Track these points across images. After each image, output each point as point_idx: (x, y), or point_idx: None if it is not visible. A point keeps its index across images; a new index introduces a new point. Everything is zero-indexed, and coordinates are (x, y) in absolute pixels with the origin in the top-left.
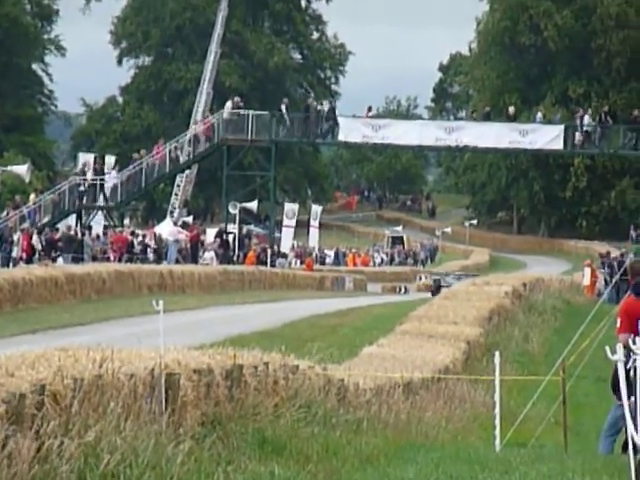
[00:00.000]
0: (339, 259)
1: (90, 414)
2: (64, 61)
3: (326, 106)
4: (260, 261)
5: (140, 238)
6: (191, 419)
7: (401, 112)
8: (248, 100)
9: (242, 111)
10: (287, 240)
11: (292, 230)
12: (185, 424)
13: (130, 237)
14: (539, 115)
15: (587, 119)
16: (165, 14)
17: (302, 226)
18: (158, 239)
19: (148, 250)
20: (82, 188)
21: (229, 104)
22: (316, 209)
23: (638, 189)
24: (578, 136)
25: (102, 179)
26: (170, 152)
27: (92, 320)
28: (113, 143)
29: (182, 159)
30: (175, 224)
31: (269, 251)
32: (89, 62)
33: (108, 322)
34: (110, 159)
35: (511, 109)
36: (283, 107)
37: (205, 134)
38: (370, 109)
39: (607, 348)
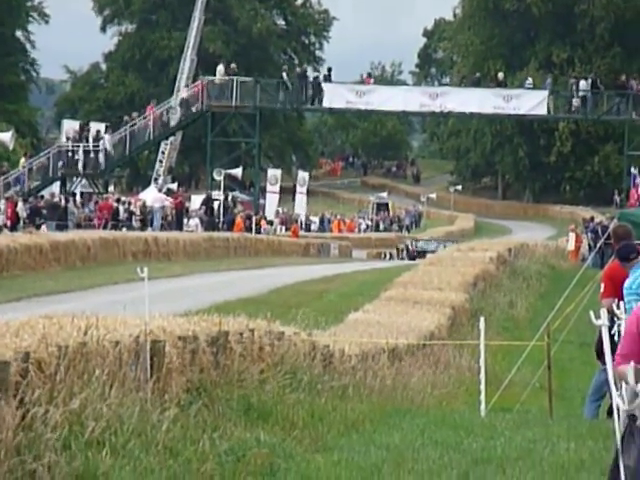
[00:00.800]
0: (324, 226)
1: (75, 381)
2: (47, 28)
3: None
4: (247, 228)
5: (126, 205)
6: (176, 386)
7: (385, 78)
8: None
9: (226, 77)
10: (271, 206)
11: (276, 196)
12: (170, 391)
13: (115, 204)
14: (529, 80)
15: (583, 84)
16: None
17: (287, 192)
18: (142, 206)
19: (133, 217)
20: (68, 155)
21: (220, 68)
22: (303, 175)
23: (622, 154)
24: (575, 102)
25: (86, 146)
26: (161, 116)
27: (77, 287)
28: (97, 110)
29: (172, 123)
30: (160, 191)
31: (254, 218)
32: (72, 29)
33: (93, 289)
34: (99, 126)
35: (500, 75)
36: (284, 75)
37: (193, 98)
38: (370, 76)
39: (591, 313)
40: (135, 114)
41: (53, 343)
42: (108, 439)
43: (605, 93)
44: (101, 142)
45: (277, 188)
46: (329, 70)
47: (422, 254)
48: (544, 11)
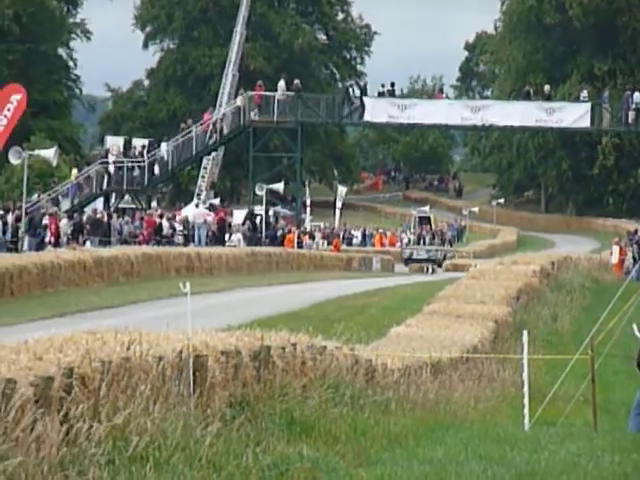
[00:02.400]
0: (366, 240)
1: (118, 397)
2: (89, 45)
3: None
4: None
5: (169, 221)
6: (219, 401)
7: (427, 91)
8: (273, 82)
9: (264, 93)
10: (337, 220)
11: (339, 211)
12: (213, 406)
13: (159, 220)
14: (584, 93)
15: (637, 96)
16: None
17: (329, 207)
18: (185, 221)
19: (175, 233)
20: (111, 171)
21: (282, 84)
22: (341, 190)
23: None
24: (632, 115)
25: (130, 162)
26: (215, 123)
27: (120, 303)
28: (139, 127)
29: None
30: (197, 206)
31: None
32: (115, 46)
33: (136, 305)
34: (142, 142)
35: (547, 87)
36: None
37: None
38: (393, 85)
39: (634, 326)
40: (190, 121)
41: (97, 358)
42: (152, 454)
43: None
44: (160, 149)
45: (341, 204)
46: (364, 85)
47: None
48: (585, 24)
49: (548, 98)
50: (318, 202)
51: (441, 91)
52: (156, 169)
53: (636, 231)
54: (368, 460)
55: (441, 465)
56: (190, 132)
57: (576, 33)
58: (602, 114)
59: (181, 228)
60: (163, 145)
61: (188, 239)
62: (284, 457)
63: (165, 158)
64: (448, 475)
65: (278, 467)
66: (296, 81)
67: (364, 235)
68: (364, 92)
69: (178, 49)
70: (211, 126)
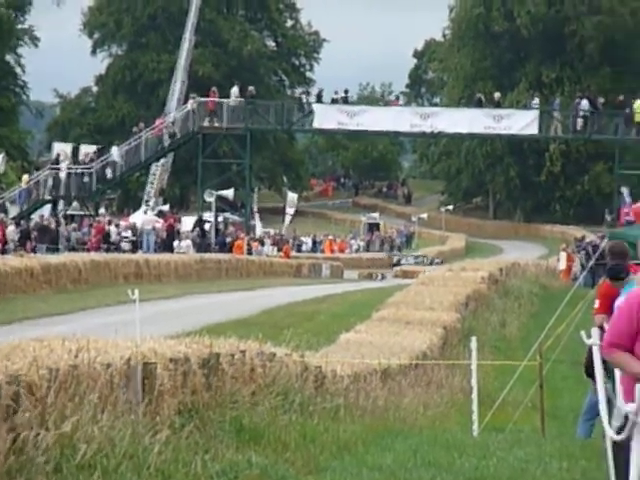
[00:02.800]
0: (316, 246)
1: (66, 404)
2: (37, 51)
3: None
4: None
5: (118, 228)
6: (168, 408)
7: (375, 98)
8: (222, 88)
9: (217, 99)
10: (287, 227)
11: (290, 218)
12: (162, 413)
13: (107, 227)
14: (535, 101)
15: (585, 104)
16: (137, 3)
17: (278, 213)
18: (133, 228)
19: (123, 240)
20: (61, 177)
21: (235, 90)
22: (292, 196)
23: (612, 173)
24: (580, 122)
25: (77, 168)
26: (164, 129)
27: (68, 310)
28: (87, 134)
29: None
30: (147, 213)
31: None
32: (63, 53)
33: (84, 312)
34: (89, 148)
35: (496, 95)
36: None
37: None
38: (346, 92)
39: (582, 332)
40: (142, 124)
41: (44, 366)
42: (100, 462)
43: (595, 112)
44: (111, 154)
45: (293, 210)
46: (320, 92)
47: None
48: (533, 32)
49: (498, 105)
50: (268, 208)
51: (397, 98)
52: (108, 173)
53: (583, 237)
54: (317, 467)
55: (390, 472)
56: (141, 137)
57: (524, 41)
58: (550, 121)
59: (129, 235)
60: (114, 149)
61: (136, 246)
62: (233, 464)
63: (117, 162)
64: None
65: (227, 475)
66: (250, 88)
67: (314, 241)
68: (320, 99)
69: (126, 55)
70: (164, 131)
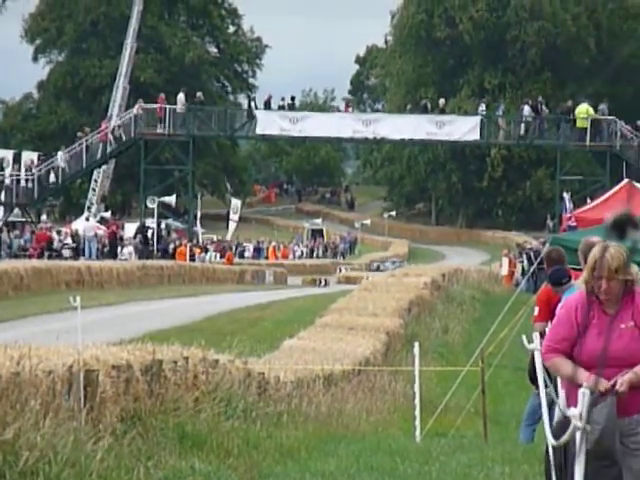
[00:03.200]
0: (260, 252)
1: (8, 412)
2: None
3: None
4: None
5: (60, 235)
6: (110, 415)
7: (318, 104)
8: (164, 95)
9: (158, 105)
10: (232, 233)
11: (234, 225)
12: (104, 420)
13: (49, 233)
14: (482, 107)
15: (527, 110)
16: (79, 9)
17: (221, 220)
18: (75, 235)
19: (64, 247)
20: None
21: (181, 96)
22: (235, 202)
23: (554, 179)
24: (522, 128)
25: (18, 175)
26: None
27: (9, 317)
28: (29, 140)
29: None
30: (89, 219)
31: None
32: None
33: (26, 319)
34: (31, 155)
35: (441, 101)
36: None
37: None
38: (293, 99)
39: (524, 337)
40: (87, 129)
41: None
42: (42, 469)
43: (536, 117)
44: (55, 159)
45: (237, 217)
46: (269, 98)
47: None
48: (475, 38)
49: (443, 112)
50: (211, 215)
51: (348, 104)
52: (52, 178)
53: (525, 243)
54: (260, 473)
55: (333, 477)
56: (87, 141)
57: (466, 47)
58: (494, 128)
59: (71, 241)
60: (60, 154)
61: (78, 253)
62: (176, 471)
63: (62, 167)
64: None
65: None
66: (198, 94)
67: (257, 248)
68: (268, 105)
69: (68, 61)
70: (110, 136)
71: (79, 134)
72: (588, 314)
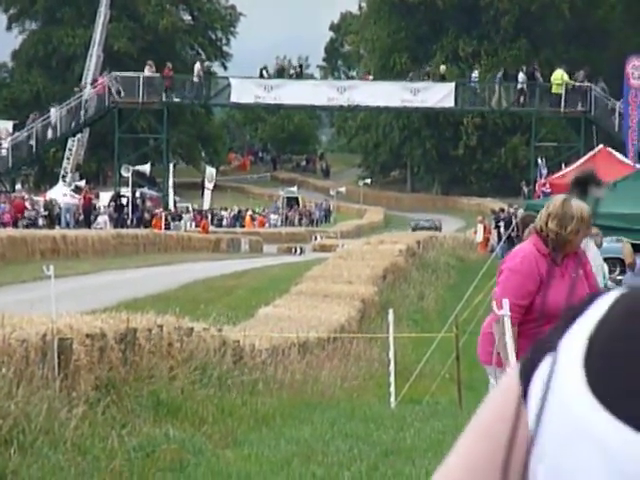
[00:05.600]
0: (235, 221)
1: None
2: None
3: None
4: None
5: (34, 204)
6: (85, 383)
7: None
8: (138, 63)
9: (132, 73)
10: (207, 202)
11: (209, 193)
12: (78, 389)
13: (24, 202)
14: (474, 74)
15: (522, 77)
16: None
17: (196, 188)
18: (50, 204)
19: (40, 215)
20: None
21: (198, 66)
22: (210, 171)
23: (529, 146)
24: (516, 94)
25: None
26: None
27: None
28: (3, 109)
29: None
30: (64, 189)
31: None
32: None
33: (0, 288)
34: (6, 124)
35: (442, 68)
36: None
37: (98, 94)
38: (265, 69)
39: (493, 303)
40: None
41: None
42: (16, 437)
43: (510, 84)
44: (49, 116)
45: (212, 185)
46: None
47: None
48: (449, 4)
49: (442, 78)
50: (186, 183)
51: (368, 73)
52: (50, 134)
53: (501, 210)
54: (235, 441)
55: (308, 444)
56: (82, 95)
57: (440, 13)
58: (470, 95)
59: (46, 211)
60: (53, 111)
61: (53, 221)
62: (150, 439)
63: (54, 122)
64: (314, 454)
65: (144, 449)
66: (206, 63)
67: (234, 217)
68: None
69: (41, 30)
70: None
71: (75, 89)
72: (550, 265)
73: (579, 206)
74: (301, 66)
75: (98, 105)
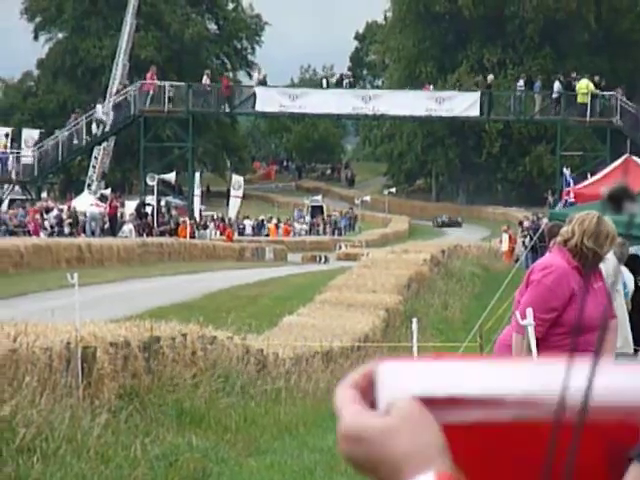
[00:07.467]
0: (260, 229)
1: (5, 388)
2: None
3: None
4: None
5: (60, 212)
6: (108, 392)
7: (317, 81)
8: (164, 72)
9: (158, 82)
10: (234, 210)
11: (238, 201)
12: (102, 397)
13: (50, 211)
14: (520, 83)
15: (557, 86)
16: None
17: (222, 197)
18: (74, 212)
19: (65, 224)
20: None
21: (256, 76)
22: (237, 179)
23: (554, 155)
24: (553, 103)
25: (18, 153)
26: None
27: (8, 294)
28: (29, 119)
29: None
30: (89, 197)
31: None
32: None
33: (25, 296)
34: (32, 133)
35: (490, 77)
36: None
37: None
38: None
39: (517, 312)
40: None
41: None
42: (39, 445)
43: (536, 93)
44: (95, 112)
45: (240, 193)
46: (264, 76)
47: None
48: (475, 13)
49: (489, 87)
50: (211, 192)
51: (430, 83)
52: (94, 129)
53: (526, 219)
54: (258, 449)
55: (331, 453)
56: (127, 94)
57: (465, 22)
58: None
59: (71, 219)
60: (99, 107)
61: (78, 230)
62: (173, 447)
63: (102, 119)
64: (338, 463)
65: (167, 457)
66: (262, 72)
67: (258, 225)
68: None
69: (68, 40)
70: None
71: (119, 87)
72: (581, 278)
73: (611, 223)
74: (342, 75)
75: (124, 113)
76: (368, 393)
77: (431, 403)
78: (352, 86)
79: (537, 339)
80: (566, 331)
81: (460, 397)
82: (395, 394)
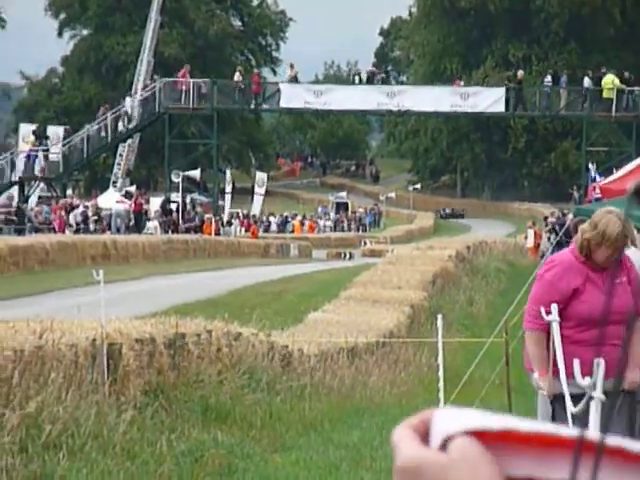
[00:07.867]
0: (284, 226)
1: (31, 385)
2: (4, 33)
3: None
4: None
5: (86, 209)
6: (134, 388)
7: (341, 77)
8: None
9: (183, 79)
10: (257, 207)
11: (261, 198)
12: (127, 393)
13: (75, 208)
14: (548, 79)
15: (587, 81)
16: None
17: (246, 193)
18: (99, 209)
19: (90, 221)
20: (24, 159)
21: (289, 72)
22: (261, 176)
23: (579, 150)
24: (582, 99)
25: (45, 150)
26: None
27: (35, 292)
28: (54, 115)
29: (129, 126)
30: (114, 194)
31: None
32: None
33: (51, 293)
34: (57, 130)
35: (520, 73)
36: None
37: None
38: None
39: (542, 308)
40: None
41: (9, 347)
42: (65, 442)
43: (561, 88)
44: (123, 106)
45: (263, 190)
46: (296, 73)
47: None
48: (500, 8)
49: (519, 83)
50: (235, 189)
51: (460, 78)
52: (120, 126)
53: (552, 215)
54: (283, 445)
55: (356, 450)
56: (154, 89)
57: (491, 18)
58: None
59: (97, 216)
60: (128, 100)
61: (104, 227)
62: (199, 444)
63: (130, 113)
64: (363, 459)
65: (193, 453)
66: (295, 69)
67: (283, 222)
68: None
69: (92, 37)
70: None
71: (147, 82)
72: (589, 272)
73: (618, 225)
74: (373, 71)
75: (149, 110)
76: (425, 436)
77: (486, 439)
78: (384, 83)
79: (542, 332)
80: (572, 325)
81: (515, 430)
82: (450, 429)
